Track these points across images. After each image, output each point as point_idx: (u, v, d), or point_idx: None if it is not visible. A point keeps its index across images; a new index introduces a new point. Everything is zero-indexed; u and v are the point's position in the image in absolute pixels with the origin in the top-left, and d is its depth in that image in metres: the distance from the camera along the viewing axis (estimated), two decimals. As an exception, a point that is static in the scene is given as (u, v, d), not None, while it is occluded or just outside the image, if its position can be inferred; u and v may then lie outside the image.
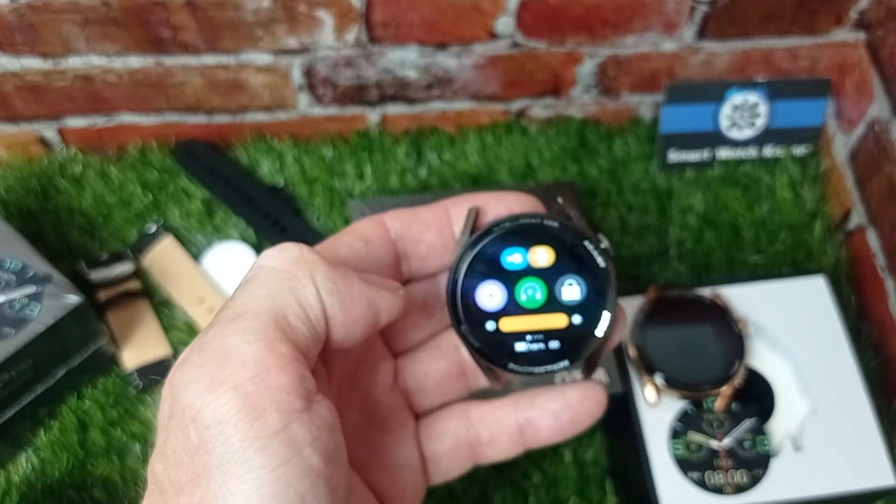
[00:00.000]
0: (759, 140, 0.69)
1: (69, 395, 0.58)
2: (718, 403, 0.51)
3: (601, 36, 0.64)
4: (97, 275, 0.61)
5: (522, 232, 0.28)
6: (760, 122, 0.68)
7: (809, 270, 0.58)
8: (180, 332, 0.61)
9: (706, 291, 0.54)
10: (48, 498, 0.55)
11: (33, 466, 0.56)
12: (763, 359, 0.53)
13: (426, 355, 0.31)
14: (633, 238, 0.65)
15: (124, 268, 0.62)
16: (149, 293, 0.63)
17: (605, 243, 0.28)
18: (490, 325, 0.28)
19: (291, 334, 0.24)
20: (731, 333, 0.53)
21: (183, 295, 0.62)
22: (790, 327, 0.54)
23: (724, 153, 0.69)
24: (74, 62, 0.62)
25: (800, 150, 0.70)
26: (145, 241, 0.64)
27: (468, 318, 0.28)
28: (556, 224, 0.27)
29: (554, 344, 0.28)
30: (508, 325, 0.28)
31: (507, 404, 0.30)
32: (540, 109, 0.71)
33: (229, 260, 0.64)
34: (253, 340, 0.23)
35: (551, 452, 0.57)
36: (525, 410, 0.30)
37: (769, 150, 0.69)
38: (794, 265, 0.64)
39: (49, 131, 0.68)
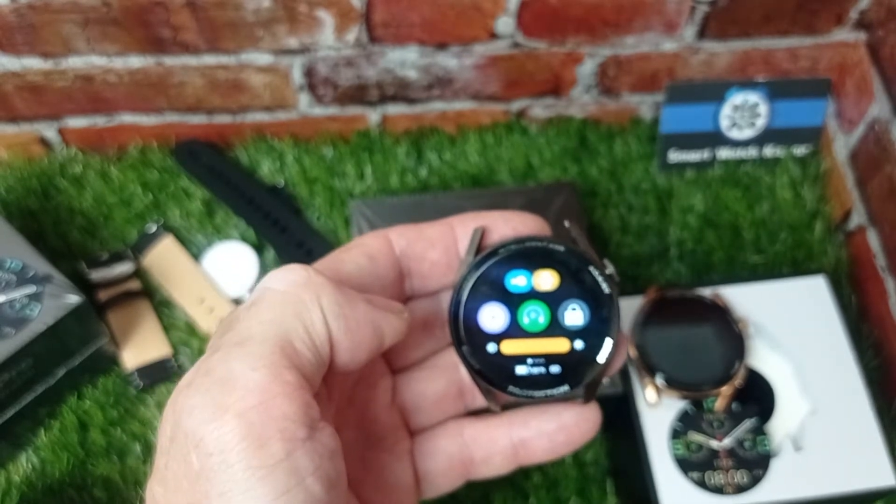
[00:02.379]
0: (760, 140, 0.69)
1: (69, 395, 0.58)
2: (719, 403, 0.51)
3: (601, 36, 0.64)
4: (97, 275, 0.61)
5: (527, 255, 0.27)
6: (761, 122, 0.68)
7: (810, 270, 0.58)
8: (180, 332, 0.61)
9: (706, 291, 0.54)
10: (48, 498, 0.55)
11: (34, 466, 0.56)
12: (763, 359, 0.53)
13: (425, 374, 0.31)
14: (634, 238, 0.65)
15: (124, 268, 0.62)
16: (149, 293, 0.63)
17: (610, 269, 0.28)
18: (491, 347, 0.27)
19: (297, 360, 0.24)
20: (731, 333, 0.53)
21: (183, 295, 0.62)
22: (790, 327, 0.54)
23: (724, 153, 0.69)
24: (75, 62, 0.62)
25: (800, 150, 0.69)
26: (145, 241, 0.64)
27: (469, 340, 0.27)
28: (561, 248, 0.27)
29: (555, 368, 0.27)
30: (510, 347, 0.27)
31: (502, 424, 0.30)
32: (540, 109, 0.71)
33: (229, 260, 0.64)
34: (258, 367, 0.23)
35: (551, 452, 0.57)
36: (519, 430, 0.30)
37: (769, 150, 0.69)
38: (794, 265, 0.64)
39: (49, 131, 0.68)
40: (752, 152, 0.69)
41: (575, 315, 0.27)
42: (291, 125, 0.70)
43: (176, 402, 0.24)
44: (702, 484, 0.49)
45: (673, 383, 0.51)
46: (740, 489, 0.49)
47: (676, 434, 0.50)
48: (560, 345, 0.27)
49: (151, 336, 0.60)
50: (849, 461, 0.50)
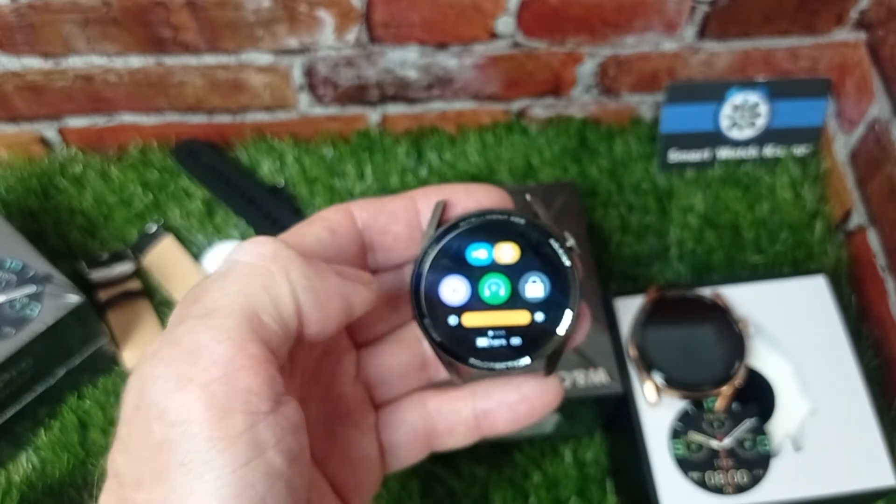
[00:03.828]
0: (760, 140, 0.69)
1: (70, 395, 0.58)
2: (719, 403, 0.51)
3: (601, 36, 0.64)
4: (97, 275, 0.61)
5: (488, 227, 0.27)
6: (761, 122, 0.68)
7: (810, 270, 0.58)
8: (181, 332, 0.61)
9: (707, 291, 0.54)
10: (48, 497, 0.55)
11: (34, 466, 0.56)
12: (763, 359, 0.53)
13: (389, 347, 0.31)
14: (634, 238, 0.65)
15: (125, 268, 0.62)
16: (149, 293, 0.63)
17: (570, 242, 0.28)
18: (452, 320, 0.28)
19: (263, 333, 0.24)
20: (731, 333, 0.53)
21: (183, 295, 0.62)
22: (790, 327, 0.54)
23: (724, 153, 0.69)
24: (75, 62, 0.62)
25: (800, 150, 0.69)
26: (146, 240, 0.64)
27: (431, 312, 0.28)
28: (522, 221, 0.27)
29: (515, 340, 0.28)
30: (471, 320, 0.28)
31: (465, 396, 0.30)
32: (540, 109, 0.71)
33: (230, 260, 0.64)
34: (224, 339, 0.23)
35: (551, 452, 0.57)
36: (482, 402, 0.30)
37: (769, 150, 0.69)
38: (794, 265, 0.64)
39: (50, 131, 0.68)
40: (752, 152, 0.69)
41: (535, 287, 0.28)
42: (291, 125, 0.70)
43: (140, 372, 0.23)
44: (702, 484, 0.49)
45: (673, 383, 0.51)
46: (740, 489, 0.49)
47: (676, 434, 0.50)
48: (521, 317, 0.28)
49: (151, 336, 0.60)
50: (849, 461, 0.50)
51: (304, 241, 0.27)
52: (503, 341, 0.28)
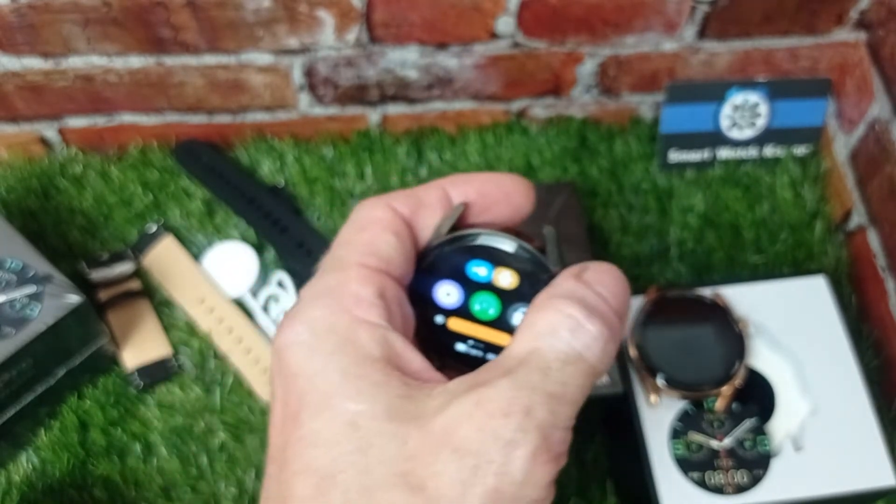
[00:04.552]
0: (760, 140, 0.69)
1: (70, 395, 0.58)
2: (719, 403, 0.51)
3: (602, 36, 0.64)
4: (97, 275, 0.61)
5: (496, 250, 0.28)
6: (761, 122, 0.68)
7: (810, 270, 0.58)
8: (180, 332, 0.61)
9: (707, 291, 0.54)
10: (49, 497, 0.55)
11: (34, 466, 0.56)
12: (763, 359, 0.53)
13: None
14: (634, 238, 0.65)
15: (125, 268, 0.62)
16: (149, 293, 0.63)
17: None
18: (439, 319, 0.28)
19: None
20: (731, 333, 0.53)
21: (183, 295, 0.62)
22: (791, 327, 0.54)
23: (724, 153, 0.69)
24: (75, 62, 0.62)
25: (800, 150, 0.69)
26: (146, 240, 0.64)
27: (422, 305, 0.28)
28: (528, 255, 0.28)
29: (491, 356, 0.28)
30: (456, 325, 0.28)
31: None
32: (540, 109, 0.71)
33: (229, 260, 0.64)
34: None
35: (551, 452, 0.57)
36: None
37: (770, 150, 0.69)
38: (794, 265, 0.64)
39: (50, 131, 0.68)
40: (752, 152, 0.69)
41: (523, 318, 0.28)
42: (291, 125, 0.70)
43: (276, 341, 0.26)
44: (702, 484, 0.49)
45: (673, 383, 0.51)
46: (740, 489, 0.49)
47: (676, 434, 0.50)
48: (502, 339, 0.28)
49: (151, 336, 0.60)
50: (849, 461, 0.50)
51: (381, 250, 0.27)
52: (480, 353, 0.28)
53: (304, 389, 0.24)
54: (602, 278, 0.26)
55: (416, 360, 0.25)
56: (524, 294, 0.28)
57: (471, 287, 0.28)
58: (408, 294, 0.28)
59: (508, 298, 0.28)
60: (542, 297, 0.26)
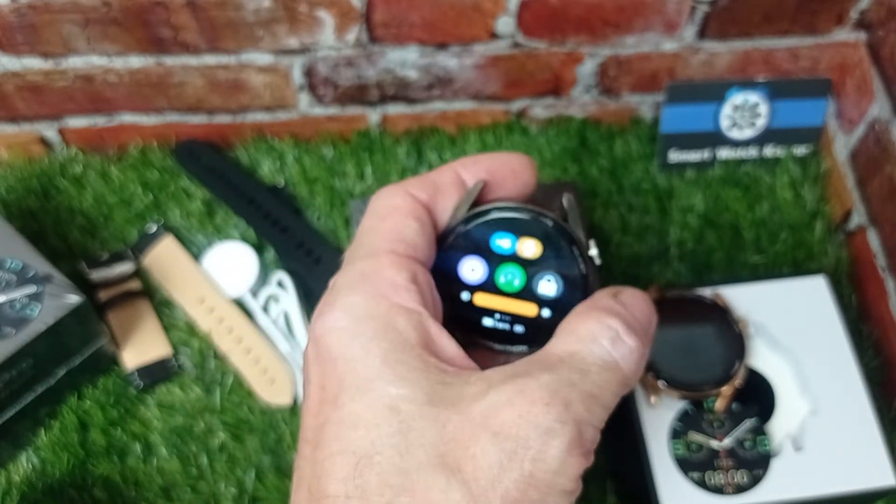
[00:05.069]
0: (760, 140, 0.69)
1: (69, 395, 0.58)
2: (719, 403, 0.51)
3: (602, 36, 0.64)
4: (97, 275, 0.61)
5: (517, 221, 0.29)
6: (761, 122, 0.68)
7: (810, 270, 0.58)
8: (180, 332, 0.61)
9: (707, 291, 0.54)
10: (49, 497, 0.55)
11: (34, 466, 0.56)
12: (763, 359, 0.53)
13: None
14: (634, 238, 0.65)
15: (125, 268, 0.62)
16: (149, 293, 0.63)
17: (594, 251, 0.29)
18: (465, 296, 0.29)
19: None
20: (731, 333, 0.53)
21: (183, 295, 0.62)
22: (791, 327, 0.54)
23: (724, 153, 0.69)
24: (75, 62, 0.62)
25: (800, 150, 0.69)
26: (146, 241, 0.64)
27: (447, 284, 0.29)
28: (550, 222, 0.28)
29: (518, 328, 0.29)
30: (482, 300, 0.29)
31: None
32: (540, 109, 0.71)
33: (229, 260, 0.64)
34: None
35: (551, 452, 0.57)
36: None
37: (770, 150, 0.69)
38: (794, 265, 0.64)
39: (50, 131, 0.68)
40: (752, 152, 0.69)
41: (549, 286, 0.29)
42: (291, 125, 0.70)
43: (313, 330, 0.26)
44: (702, 484, 0.49)
45: (673, 383, 0.51)
46: (740, 489, 0.49)
47: (676, 434, 0.50)
48: (529, 309, 0.29)
49: (151, 336, 0.60)
50: (849, 461, 0.50)
51: (406, 236, 0.28)
52: (507, 326, 0.29)
53: (345, 373, 0.24)
54: (636, 302, 0.28)
55: (450, 346, 0.26)
56: (549, 261, 0.28)
57: (495, 260, 0.29)
58: (432, 276, 0.29)
59: (533, 267, 0.29)
60: (582, 307, 0.27)
